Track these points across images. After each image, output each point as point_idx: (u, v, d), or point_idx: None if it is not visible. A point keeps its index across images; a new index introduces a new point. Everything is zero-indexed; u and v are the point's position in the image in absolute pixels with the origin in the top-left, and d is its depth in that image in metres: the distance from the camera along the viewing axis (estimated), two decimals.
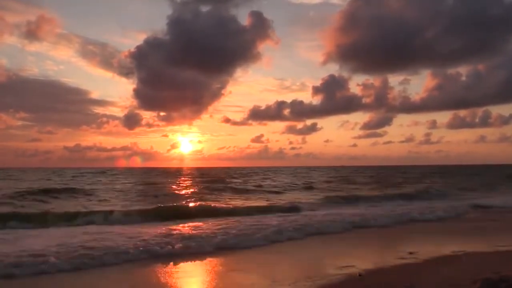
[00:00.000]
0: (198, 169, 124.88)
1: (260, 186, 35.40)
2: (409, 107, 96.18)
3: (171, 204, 20.19)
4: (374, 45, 61.63)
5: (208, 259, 9.39)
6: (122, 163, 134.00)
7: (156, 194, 26.38)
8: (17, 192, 23.98)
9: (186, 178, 51.12)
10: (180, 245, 10.19)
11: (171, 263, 8.94)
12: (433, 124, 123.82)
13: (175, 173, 78.74)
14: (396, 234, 13.34)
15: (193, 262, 9.17)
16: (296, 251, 10.45)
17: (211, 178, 49.35)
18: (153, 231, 12.13)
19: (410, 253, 9.63)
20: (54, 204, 20.33)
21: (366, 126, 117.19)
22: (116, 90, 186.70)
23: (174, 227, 13.20)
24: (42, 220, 14.74)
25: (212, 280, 7.67)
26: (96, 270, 8.31)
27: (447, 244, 10.84)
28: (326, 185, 37.37)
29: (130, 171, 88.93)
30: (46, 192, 24.88)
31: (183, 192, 29.08)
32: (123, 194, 26.23)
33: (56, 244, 9.80)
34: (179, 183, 40.22)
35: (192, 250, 9.97)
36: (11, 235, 11.54)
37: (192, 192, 28.75)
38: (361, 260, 8.96)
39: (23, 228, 13.39)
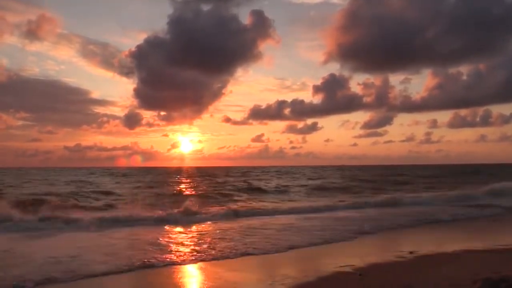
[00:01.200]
0: (201, 168, 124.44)
1: (304, 186, 35.06)
2: (410, 107, 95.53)
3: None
4: (375, 44, 61.25)
5: None
6: (123, 163, 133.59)
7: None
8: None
9: (210, 179, 50.12)
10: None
11: None
12: (434, 124, 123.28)
13: (188, 173, 77.02)
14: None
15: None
16: None
17: (236, 179, 48.48)
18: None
19: (411, 252, 9.62)
20: None
21: (366, 125, 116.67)
22: (117, 90, 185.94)
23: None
24: None
25: None
26: None
27: (448, 243, 10.84)
28: (373, 185, 36.86)
29: (137, 171, 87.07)
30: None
31: (231, 193, 28.35)
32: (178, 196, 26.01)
33: None
34: (212, 184, 38.98)
35: None
36: None
37: (238, 192, 28.86)
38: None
39: None
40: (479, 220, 16.30)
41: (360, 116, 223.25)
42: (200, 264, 9.00)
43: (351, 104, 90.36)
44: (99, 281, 7.64)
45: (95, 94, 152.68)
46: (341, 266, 8.27)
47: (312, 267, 8.61)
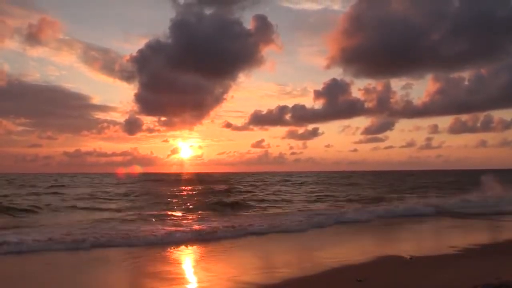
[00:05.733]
0: (203, 174, 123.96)
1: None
2: (411, 112, 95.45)
3: None
4: (377, 49, 61.46)
5: None
6: (122, 169, 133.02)
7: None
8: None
9: (239, 184, 50.44)
10: None
11: None
12: (435, 129, 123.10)
13: (202, 179, 75.70)
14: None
15: None
16: None
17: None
18: None
19: (411, 258, 9.53)
20: None
21: (367, 131, 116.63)
22: (117, 95, 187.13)
23: None
24: None
25: None
26: None
27: (448, 248, 10.75)
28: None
29: (144, 177, 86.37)
30: None
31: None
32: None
33: None
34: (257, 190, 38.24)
35: None
36: None
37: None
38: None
39: None
40: (479, 223, 16.22)
41: (361, 122, 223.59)
42: None
43: (352, 109, 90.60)
44: None
45: (96, 100, 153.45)
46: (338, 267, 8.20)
47: None
